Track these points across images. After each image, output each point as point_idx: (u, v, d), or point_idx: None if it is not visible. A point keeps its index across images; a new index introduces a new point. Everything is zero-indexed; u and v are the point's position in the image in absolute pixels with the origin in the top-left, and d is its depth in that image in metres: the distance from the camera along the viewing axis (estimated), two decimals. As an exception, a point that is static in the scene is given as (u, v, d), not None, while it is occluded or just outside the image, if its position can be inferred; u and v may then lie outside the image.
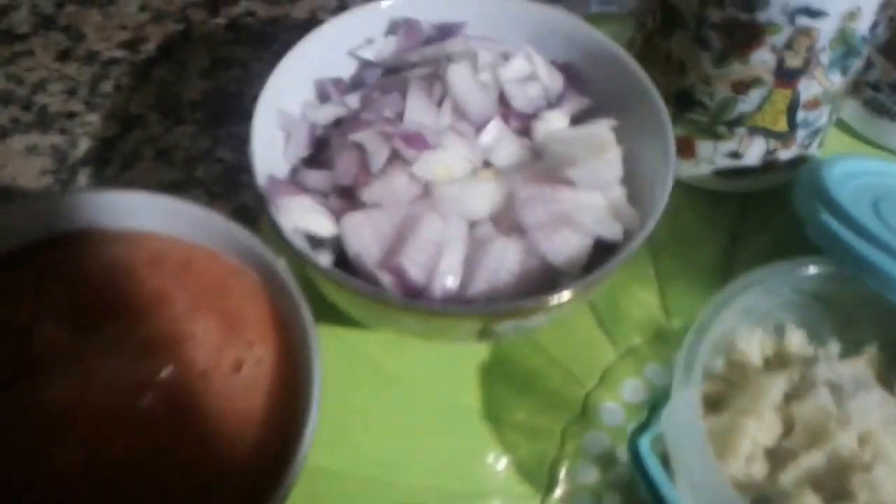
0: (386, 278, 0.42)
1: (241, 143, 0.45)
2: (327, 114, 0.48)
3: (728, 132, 0.52)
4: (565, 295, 0.40)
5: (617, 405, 0.49)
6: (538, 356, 0.50)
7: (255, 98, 0.46)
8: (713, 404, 0.46)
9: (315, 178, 0.46)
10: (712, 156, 0.54)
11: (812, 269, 0.47)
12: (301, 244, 0.42)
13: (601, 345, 0.51)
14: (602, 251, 0.45)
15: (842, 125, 0.61)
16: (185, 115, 0.61)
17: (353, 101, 0.48)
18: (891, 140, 0.61)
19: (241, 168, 0.58)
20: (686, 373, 0.43)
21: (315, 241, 0.45)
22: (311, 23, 0.66)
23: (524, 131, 0.48)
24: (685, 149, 0.54)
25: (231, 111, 0.61)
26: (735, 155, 0.54)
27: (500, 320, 0.41)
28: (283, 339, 0.38)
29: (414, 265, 0.42)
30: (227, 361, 0.38)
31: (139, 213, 0.41)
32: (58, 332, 0.37)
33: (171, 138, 0.60)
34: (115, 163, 0.58)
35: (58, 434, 0.35)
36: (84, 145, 0.59)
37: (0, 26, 0.65)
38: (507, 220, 0.45)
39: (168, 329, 0.38)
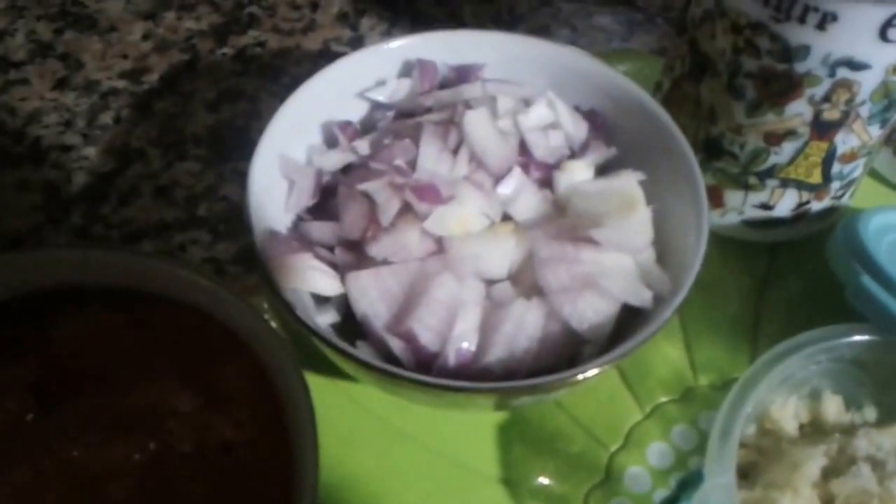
0: (395, 343, 0.40)
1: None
2: (335, 160, 0.46)
3: (759, 183, 0.50)
4: (590, 371, 0.37)
5: (642, 470, 0.47)
6: (559, 416, 0.48)
7: (262, 133, 0.44)
8: (743, 473, 0.44)
9: (320, 229, 0.44)
10: (741, 206, 0.52)
11: (853, 337, 0.45)
12: (303, 303, 0.40)
13: (626, 404, 0.49)
14: (629, 313, 0.42)
15: (873, 173, 0.59)
16: (189, 150, 0.58)
17: (363, 146, 0.46)
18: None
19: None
20: (720, 452, 0.41)
21: (320, 297, 0.42)
22: (324, 55, 0.64)
23: (545, 182, 0.46)
24: (713, 198, 0.52)
25: (237, 146, 0.58)
26: (765, 206, 0.51)
27: (517, 397, 0.38)
28: (278, 417, 0.34)
29: (426, 330, 0.39)
30: (214, 442, 0.34)
31: (121, 270, 0.37)
32: (20, 408, 0.33)
33: (172, 174, 0.57)
34: (111, 200, 0.56)
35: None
36: (79, 181, 0.56)
37: (-6, 53, 0.63)
38: (527, 281, 0.42)
39: (147, 403, 0.34)
